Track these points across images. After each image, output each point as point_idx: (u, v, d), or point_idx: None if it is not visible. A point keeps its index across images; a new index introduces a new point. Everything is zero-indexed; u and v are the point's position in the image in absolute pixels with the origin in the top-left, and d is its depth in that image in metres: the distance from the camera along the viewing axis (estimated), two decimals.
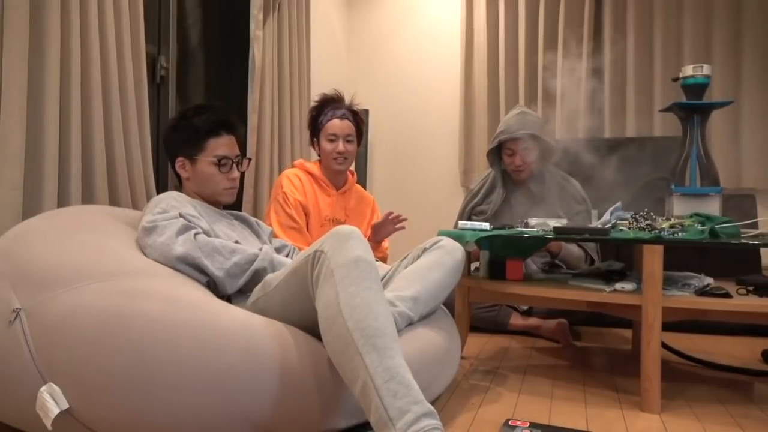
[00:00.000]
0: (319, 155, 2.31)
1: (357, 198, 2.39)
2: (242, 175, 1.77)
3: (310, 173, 2.28)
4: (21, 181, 1.49)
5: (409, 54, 3.93)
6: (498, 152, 2.44)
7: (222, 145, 1.65)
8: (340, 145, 2.21)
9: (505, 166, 2.42)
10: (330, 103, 2.27)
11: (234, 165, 1.67)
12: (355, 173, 2.42)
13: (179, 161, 1.66)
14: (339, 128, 2.22)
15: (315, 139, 2.30)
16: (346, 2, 4.00)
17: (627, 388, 1.74)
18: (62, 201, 1.64)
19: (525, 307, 2.48)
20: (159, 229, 1.41)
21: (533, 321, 2.42)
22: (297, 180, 2.23)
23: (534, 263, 2.30)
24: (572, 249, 2.34)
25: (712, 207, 1.84)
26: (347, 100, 2.30)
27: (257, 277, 1.48)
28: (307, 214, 2.21)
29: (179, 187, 1.72)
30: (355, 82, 4.01)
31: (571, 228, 1.81)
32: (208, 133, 1.63)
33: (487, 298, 2.04)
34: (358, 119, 2.30)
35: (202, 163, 1.63)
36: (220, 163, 1.64)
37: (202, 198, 1.67)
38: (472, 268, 2.16)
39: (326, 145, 2.23)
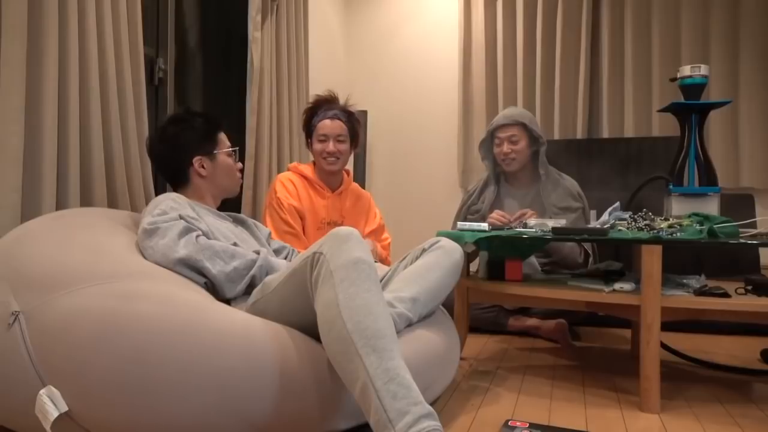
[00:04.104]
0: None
1: (353, 198, 2.38)
2: (241, 175, 1.81)
3: (304, 176, 2.27)
4: (20, 184, 1.49)
5: (408, 55, 3.93)
6: (492, 151, 2.46)
7: (226, 137, 1.76)
8: (331, 145, 2.21)
9: (497, 161, 2.43)
10: (324, 104, 2.27)
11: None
12: (351, 172, 2.42)
13: (197, 160, 1.67)
14: (330, 128, 2.22)
15: (309, 141, 2.30)
16: (344, 4, 4.01)
17: (626, 388, 1.74)
18: (61, 203, 1.64)
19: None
20: (161, 231, 1.41)
21: (532, 321, 2.42)
22: (290, 184, 2.22)
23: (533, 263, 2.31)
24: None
25: (711, 207, 1.84)
26: (342, 101, 2.30)
27: (254, 282, 1.48)
28: (302, 218, 2.20)
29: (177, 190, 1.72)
30: (353, 83, 4.01)
31: (570, 228, 1.81)
32: (218, 127, 1.73)
33: (486, 299, 2.04)
34: (353, 120, 2.29)
35: (222, 156, 1.72)
36: (233, 153, 1.76)
37: (215, 195, 1.73)
38: (474, 269, 2.16)
39: (317, 146, 2.24)
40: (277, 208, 2.16)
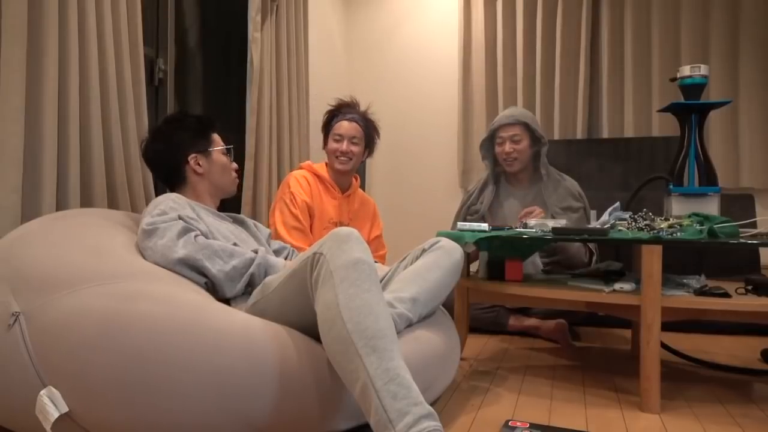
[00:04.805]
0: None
1: (360, 202, 2.43)
2: (241, 177, 1.81)
3: (317, 175, 2.32)
4: (20, 185, 1.49)
5: (407, 55, 3.93)
6: (492, 151, 2.46)
7: (219, 137, 1.76)
8: (344, 145, 2.27)
9: (498, 161, 2.43)
10: (344, 107, 2.34)
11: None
12: (359, 177, 2.46)
13: (193, 158, 1.68)
14: (345, 129, 2.29)
15: (326, 141, 2.36)
16: (344, 4, 4.01)
17: (626, 388, 1.74)
18: (61, 204, 1.64)
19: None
20: (159, 232, 1.41)
21: (532, 321, 2.42)
22: (305, 181, 2.27)
23: (536, 264, 2.31)
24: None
25: (711, 207, 1.84)
26: (362, 108, 2.37)
27: (253, 280, 1.48)
28: (312, 216, 2.25)
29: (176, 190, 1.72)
30: (353, 83, 4.01)
31: (571, 228, 1.81)
32: (211, 126, 1.74)
33: (486, 299, 2.04)
34: (371, 127, 2.36)
35: (216, 153, 1.73)
36: (227, 152, 1.77)
37: (212, 194, 1.73)
38: (474, 269, 2.16)
39: (332, 145, 2.30)
40: (288, 203, 2.20)
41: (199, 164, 1.69)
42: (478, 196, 2.51)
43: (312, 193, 2.26)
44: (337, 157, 2.28)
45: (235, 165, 1.79)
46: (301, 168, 2.35)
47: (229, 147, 1.77)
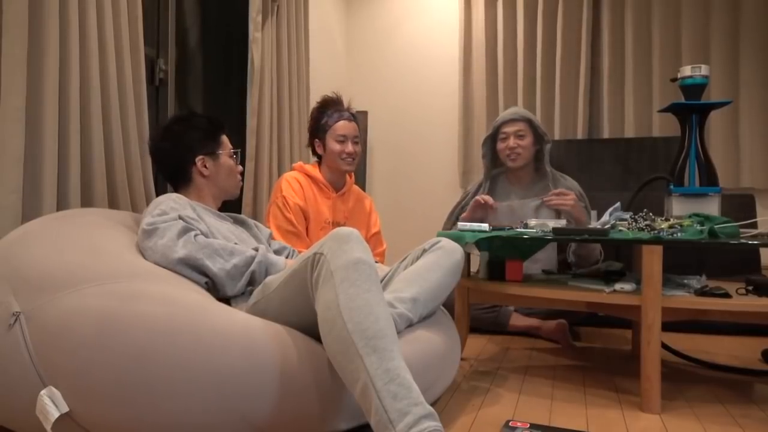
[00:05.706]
0: (318, 156, 2.32)
1: (355, 199, 2.40)
2: (242, 177, 1.81)
3: (310, 176, 2.29)
4: (20, 185, 1.49)
5: (408, 55, 3.93)
6: (492, 152, 2.46)
7: (227, 140, 1.76)
8: (350, 146, 2.25)
9: (500, 158, 2.44)
10: (332, 104, 2.29)
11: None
12: (353, 175, 2.43)
13: (200, 160, 1.68)
14: (347, 129, 2.26)
15: (317, 140, 2.30)
16: (344, 4, 4.01)
17: (627, 389, 1.74)
18: (61, 204, 1.64)
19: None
20: (159, 232, 1.41)
21: (533, 322, 2.42)
22: (297, 184, 2.23)
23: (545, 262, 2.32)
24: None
25: (711, 207, 1.84)
26: (345, 104, 2.33)
27: (254, 278, 1.48)
28: (306, 218, 2.22)
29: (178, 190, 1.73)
30: (353, 83, 4.01)
31: (571, 229, 1.81)
32: (221, 128, 1.74)
33: (487, 299, 2.04)
34: (358, 122, 2.34)
35: (224, 156, 1.73)
36: (234, 155, 1.76)
37: (216, 196, 1.73)
38: (474, 269, 2.16)
39: (335, 146, 2.25)
40: (281, 207, 2.17)
41: (205, 166, 1.69)
42: (473, 197, 2.51)
43: (305, 195, 2.23)
44: (343, 158, 2.24)
45: (240, 168, 1.78)
46: (293, 170, 2.32)
47: (236, 150, 1.77)
